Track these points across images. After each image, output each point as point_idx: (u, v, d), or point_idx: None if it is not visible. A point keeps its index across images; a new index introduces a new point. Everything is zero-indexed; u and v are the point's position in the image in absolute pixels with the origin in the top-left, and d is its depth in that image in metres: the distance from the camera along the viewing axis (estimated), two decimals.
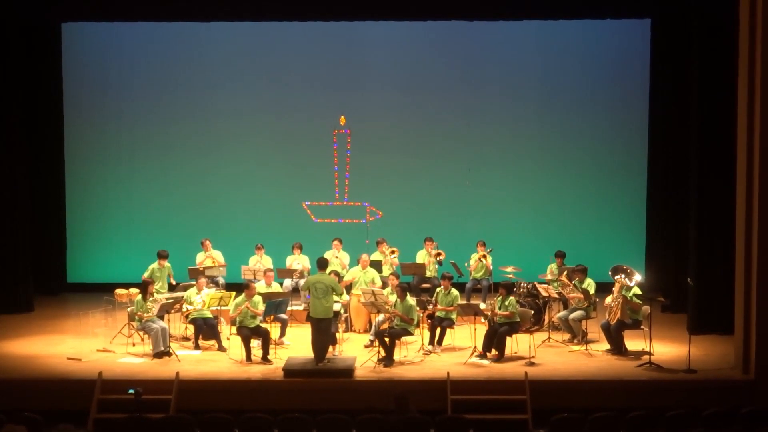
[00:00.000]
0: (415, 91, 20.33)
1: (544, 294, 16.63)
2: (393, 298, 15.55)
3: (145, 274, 17.13)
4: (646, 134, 19.87)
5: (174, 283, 17.53)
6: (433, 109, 20.36)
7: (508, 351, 15.18)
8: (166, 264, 17.45)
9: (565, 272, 16.82)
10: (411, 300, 15.36)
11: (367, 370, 14.56)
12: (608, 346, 15.50)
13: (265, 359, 14.96)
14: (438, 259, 18.16)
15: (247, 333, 15.09)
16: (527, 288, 17.15)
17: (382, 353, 14.80)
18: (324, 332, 14.56)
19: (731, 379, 14.24)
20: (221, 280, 18.25)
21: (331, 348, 14.99)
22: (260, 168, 20.56)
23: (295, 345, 15.96)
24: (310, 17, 19.65)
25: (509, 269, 17.63)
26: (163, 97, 20.51)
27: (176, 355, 15.11)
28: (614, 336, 15.34)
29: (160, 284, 17.12)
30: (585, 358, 15.29)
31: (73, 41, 20.29)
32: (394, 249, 18.05)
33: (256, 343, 15.24)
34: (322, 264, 14.94)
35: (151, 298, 15.55)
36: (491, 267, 18.13)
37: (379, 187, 20.48)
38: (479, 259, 18.11)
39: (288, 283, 18.02)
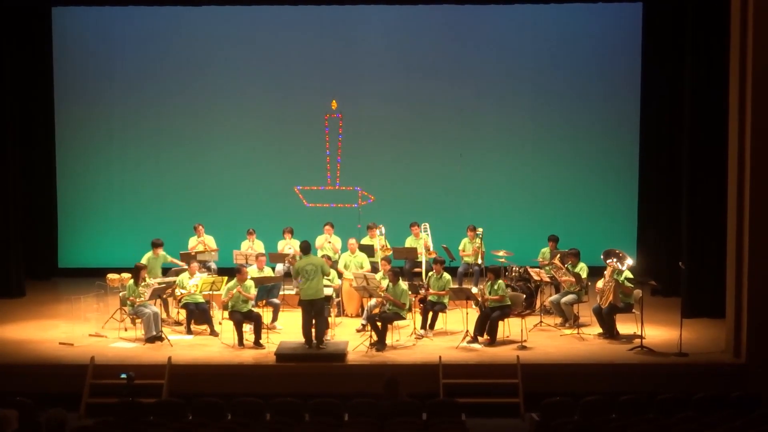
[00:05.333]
0: (407, 75, 20.28)
1: (536, 278, 16.64)
2: (385, 282, 15.55)
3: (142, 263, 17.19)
4: (638, 118, 19.84)
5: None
6: (426, 94, 20.31)
7: (500, 335, 15.20)
8: (161, 252, 17.39)
9: (558, 256, 16.84)
10: (403, 284, 15.38)
11: (359, 354, 14.59)
12: (600, 330, 15.53)
13: (257, 344, 14.97)
14: (429, 254, 18.10)
15: (239, 317, 15.09)
16: (519, 272, 17.17)
17: (374, 337, 14.82)
18: (319, 314, 14.59)
19: (722, 362, 14.29)
20: (213, 265, 18.23)
21: None
22: (252, 153, 20.52)
23: (288, 329, 15.96)
24: (302, 1, 19.59)
25: (501, 253, 17.64)
26: (155, 82, 20.44)
27: (168, 340, 15.11)
28: (606, 320, 15.38)
29: (155, 272, 17.08)
30: (577, 341, 15.32)
31: (64, 24, 20.21)
32: (388, 247, 17.93)
33: (248, 328, 15.25)
34: (305, 248, 14.95)
35: (143, 283, 15.53)
36: (483, 251, 18.13)
37: (370, 171, 20.46)
38: (474, 250, 18.07)
39: (280, 267, 18.01)
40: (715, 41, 16.09)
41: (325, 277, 15.00)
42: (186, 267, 16.61)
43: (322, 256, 15.49)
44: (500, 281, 15.38)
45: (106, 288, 16.93)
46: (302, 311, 14.70)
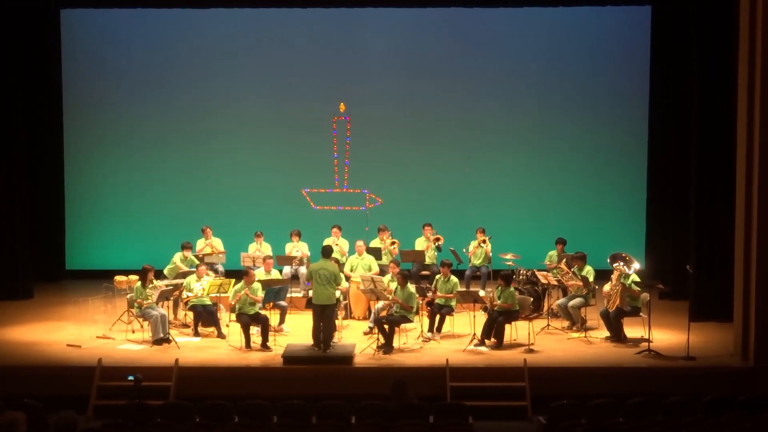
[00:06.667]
0: (414, 78, 20.29)
1: (544, 281, 16.62)
2: (393, 285, 15.55)
3: (170, 265, 17.41)
4: (646, 121, 19.83)
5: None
6: (433, 96, 20.31)
7: (507, 338, 15.19)
8: (190, 254, 17.51)
9: (565, 259, 16.83)
10: (411, 287, 15.37)
11: (366, 357, 14.58)
12: (607, 334, 15.51)
13: (264, 346, 14.98)
14: (437, 244, 18.15)
15: (247, 320, 15.09)
16: (526, 275, 17.15)
17: (382, 340, 14.82)
18: (328, 319, 14.60)
19: (730, 366, 14.26)
20: (220, 268, 18.24)
21: None
22: (260, 155, 20.53)
23: (295, 332, 15.97)
24: (310, 4, 19.61)
25: (508, 256, 17.63)
26: (162, 84, 20.47)
27: (176, 342, 15.13)
28: (613, 323, 15.36)
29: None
30: (584, 345, 15.30)
31: (72, 27, 20.24)
32: (395, 241, 18.03)
33: (255, 330, 15.24)
34: (326, 252, 14.93)
35: (150, 285, 15.55)
36: (491, 254, 18.12)
37: (378, 174, 20.46)
38: (479, 244, 18.10)
39: (287, 270, 18.02)
40: (723, 44, 16.07)
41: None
42: (193, 269, 16.65)
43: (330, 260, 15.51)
44: (511, 289, 15.35)
45: (113, 290, 16.94)
46: (313, 314, 14.71)
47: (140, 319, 15.56)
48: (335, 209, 20.39)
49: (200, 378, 13.92)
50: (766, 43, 13.85)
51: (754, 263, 14.12)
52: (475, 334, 15.20)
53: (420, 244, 18.30)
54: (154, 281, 15.81)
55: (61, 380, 13.85)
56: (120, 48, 20.38)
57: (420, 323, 15.79)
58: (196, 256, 17.71)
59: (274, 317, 15.72)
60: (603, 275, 16.20)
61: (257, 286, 15.47)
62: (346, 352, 14.48)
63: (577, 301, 15.99)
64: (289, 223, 19.08)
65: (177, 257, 17.57)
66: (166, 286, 15.99)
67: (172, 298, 16.28)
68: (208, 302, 15.88)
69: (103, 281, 17.28)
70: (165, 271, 17.34)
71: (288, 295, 16.57)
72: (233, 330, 15.48)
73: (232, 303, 15.36)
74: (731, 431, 10.15)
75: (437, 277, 16.14)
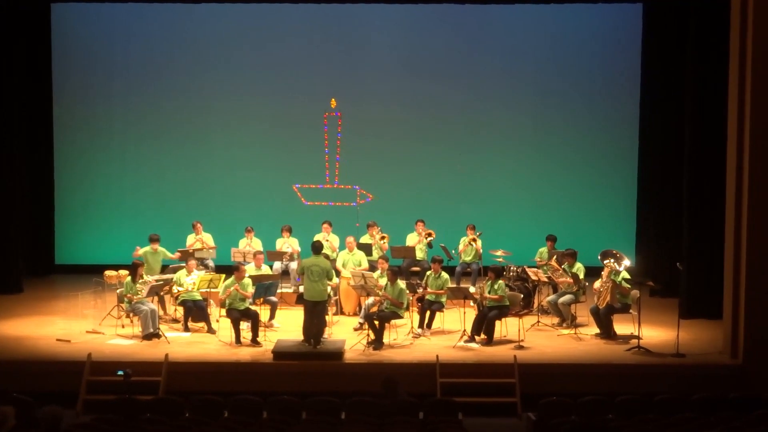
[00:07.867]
0: (407, 74, 20.28)
1: (534, 278, 16.64)
2: (383, 281, 15.55)
3: (146, 265, 17.20)
4: (637, 118, 19.85)
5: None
6: (425, 93, 20.31)
7: (497, 334, 15.20)
8: (159, 248, 17.44)
9: (555, 256, 16.85)
10: (401, 283, 15.37)
11: (356, 352, 14.58)
12: (597, 330, 15.54)
13: (254, 341, 14.97)
14: (428, 239, 18.15)
15: (237, 315, 15.08)
16: (517, 272, 17.17)
17: (372, 336, 14.82)
18: (320, 315, 14.61)
19: (719, 363, 14.30)
20: (211, 263, 18.22)
21: None
22: (250, 151, 20.51)
23: (285, 327, 15.97)
24: (302, 0, 19.59)
25: (499, 253, 17.65)
26: (154, 80, 20.42)
27: (165, 337, 15.10)
28: (603, 320, 15.38)
29: (154, 268, 17.16)
30: (574, 341, 15.32)
31: (63, 22, 20.18)
32: (385, 235, 18.04)
33: (245, 326, 15.23)
34: (317, 248, 14.93)
35: (140, 280, 15.52)
36: (481, 251, 18.13)
37: (369, 170, 20.46)
38: (469, 242, 18.12)
39: (278, 265, 18.01)
40: (715, 42, 16.08)
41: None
42: (183, 264, 16.60)
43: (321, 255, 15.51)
44: (500, 281, 15.37)
45: (103, 285, 16.90)
46: (305, 310, 14.70)
47: (130, 314, 15.54)
48: (326, 205, 20.38)
49: (190, 373, 13.90)
50: (757, 41, 13.88)
51: (743, 261, 14.16)
52: (465, 330, 15.21)
53: (411, 239, 18.31)
54: (144, 276, 15.78)
55: (50, 375, 13.82)
56: (111, 43, 20.34)
57: (410, 319, 15.78)
58: (186, 251, 17.65)
59: (264, 313, 15.71)
60: (593, 272, 16.23)
61: (248, 281, 15.45)
62: (336, 348, 14.47)
63: (567, 297, 16.01)
64: (279, 218, 19.06)
65: (144, 252, 17.30)
66: (156, 281, 15.95)
67: (162, 293, 16.25)
68: (199, 297, 15.85)
69: (93, 276, 17.23)
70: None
71: (278, 291, 16.55)
72: (223, 325, 15.46)
73: (223, 298, 15.33)
74: (720, 429, 10.16)
75: (428, 273, 16.13)
